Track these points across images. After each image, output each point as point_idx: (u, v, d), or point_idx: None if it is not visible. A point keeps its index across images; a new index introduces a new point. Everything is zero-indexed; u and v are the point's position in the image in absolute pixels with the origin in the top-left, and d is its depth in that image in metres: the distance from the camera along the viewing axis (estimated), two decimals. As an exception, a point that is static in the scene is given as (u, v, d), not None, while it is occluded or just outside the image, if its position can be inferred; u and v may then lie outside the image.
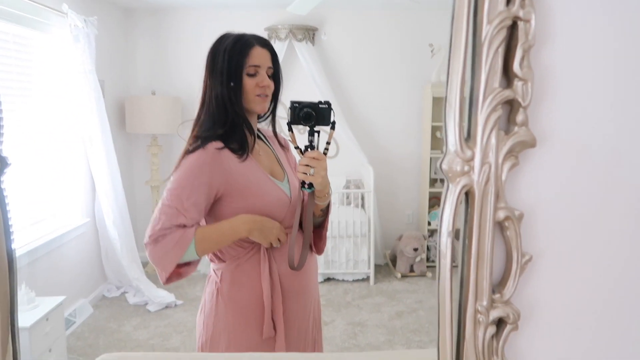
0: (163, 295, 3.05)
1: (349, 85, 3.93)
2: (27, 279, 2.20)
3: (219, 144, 1.18)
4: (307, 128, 1.21)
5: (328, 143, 1.23)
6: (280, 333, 1.24)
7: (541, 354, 0.70)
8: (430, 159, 3.75)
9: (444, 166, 0.62)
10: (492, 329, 0.66)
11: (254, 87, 1.19)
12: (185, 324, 2.78)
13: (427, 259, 3.67)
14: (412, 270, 3.59)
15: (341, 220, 3.55)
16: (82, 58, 2.94)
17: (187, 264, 1.22)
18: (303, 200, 1.29)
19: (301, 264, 1.27)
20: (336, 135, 3.57)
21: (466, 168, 0.62)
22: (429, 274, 3.56)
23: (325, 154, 1.22)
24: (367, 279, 3.51)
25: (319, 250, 1.38)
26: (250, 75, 1.19)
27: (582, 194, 0.67)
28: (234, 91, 1.18)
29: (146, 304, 3.03)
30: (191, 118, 1.26)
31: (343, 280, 3.52)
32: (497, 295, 0.66)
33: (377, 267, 3.66)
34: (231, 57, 1.18)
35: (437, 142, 3.75)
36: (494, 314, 0.66)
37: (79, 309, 2.81)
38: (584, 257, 0.68)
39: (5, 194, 0.69)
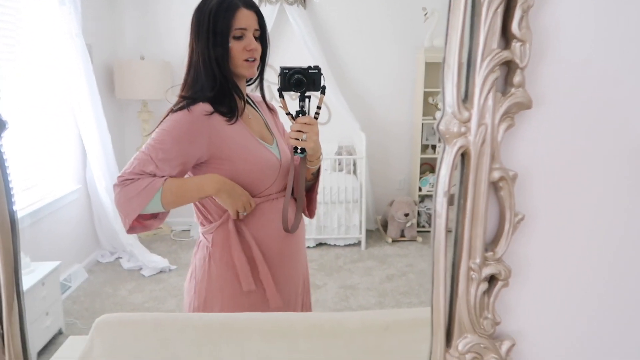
0: (157, 260, 3.08)
1: (341, 49, 3.88)
2: (21, 245, 2.20)
3: (208, 108, 1.17)
4: (298, 94, 1.20)
5: (319, 107, 1.23)
6: (273, 296, 1.26)
7: (530, 309, 0.73)
8: (422, 125, 3.74)
9: (441, 127, 0.63)
10: (484, 286, 0.69)
11: (241, 51, 1.17)
12: (180, 288, 2.79)
13: (418, 224, 3.71)
14: (402, 235, 3.64)
15: (333, 186, 3.57)
16: (67, 21, 2.87)
17: (154, 216, 1.21)
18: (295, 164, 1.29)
19: (295, 227, 1.29)
20: (328, 101, 3.55)
21: (463, 129, 0.63)
22: (420, 239, 3.62)
23: (316, 118, 1.22)
24: (358, 243, 3.56)
25: (312, 214, 1.40)
26: (237, 38, 1.17)
27: (577, 155, 0.68)
28: (220, 55, 1.16)
29: (140, 269, 3.06)
30: (180, 83, 1.24)
31: (335, 245, 3.57)
32: (489, 253, 0.68)
33: (369, 232, 3.70)
34: (216, 20, 1.15)
35: (429, 108, 3.74)
36: (486, 271, 0.68)
37: (73, 274, 2.83)
38: (576, 218, 0.70)
39: (5, 156, 0.69)
